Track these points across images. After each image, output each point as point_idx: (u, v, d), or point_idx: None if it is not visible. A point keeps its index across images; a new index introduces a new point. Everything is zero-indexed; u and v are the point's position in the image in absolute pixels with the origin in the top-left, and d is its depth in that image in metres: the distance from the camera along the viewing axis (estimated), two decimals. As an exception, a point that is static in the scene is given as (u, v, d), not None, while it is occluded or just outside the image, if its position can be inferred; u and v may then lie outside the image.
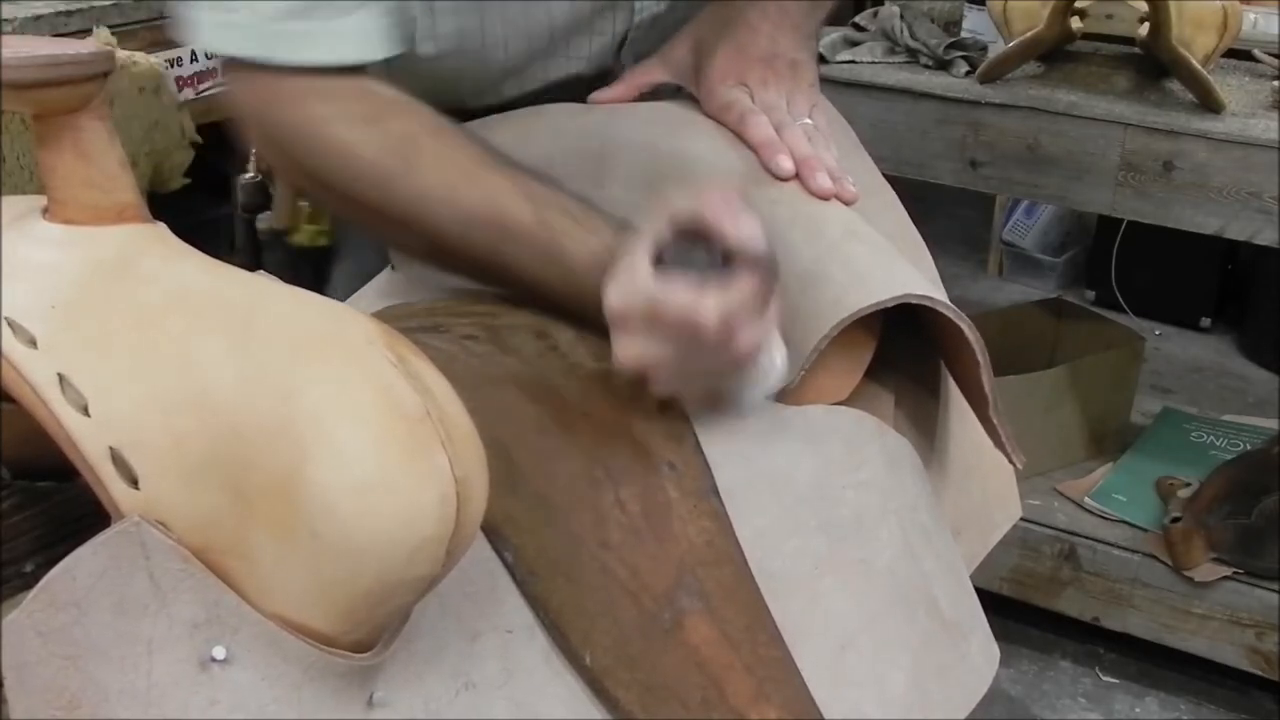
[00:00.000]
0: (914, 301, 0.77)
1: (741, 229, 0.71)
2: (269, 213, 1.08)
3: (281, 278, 0.84)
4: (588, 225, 0.79)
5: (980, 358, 0.79)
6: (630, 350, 0.72)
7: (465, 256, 0.83)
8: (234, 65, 0.86)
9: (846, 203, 0.86)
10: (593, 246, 0.77)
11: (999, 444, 0.83)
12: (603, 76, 1.01)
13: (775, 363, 0.76)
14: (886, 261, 0.83)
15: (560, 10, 0.95)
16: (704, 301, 0.69)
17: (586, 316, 0.77)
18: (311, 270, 1.07)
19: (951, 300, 0.80)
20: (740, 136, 0.89)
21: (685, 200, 0.73)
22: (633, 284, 0.71)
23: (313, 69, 0.83)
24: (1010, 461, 0.83)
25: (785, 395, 0.79)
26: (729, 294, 0.69)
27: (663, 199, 0.75)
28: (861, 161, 0.99)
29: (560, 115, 0.98)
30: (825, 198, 0.86)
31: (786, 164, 0.86)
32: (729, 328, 0.70)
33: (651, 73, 0.99)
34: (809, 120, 0.91)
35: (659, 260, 0.72)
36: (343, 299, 0.91)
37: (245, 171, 1.09)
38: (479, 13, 0.92)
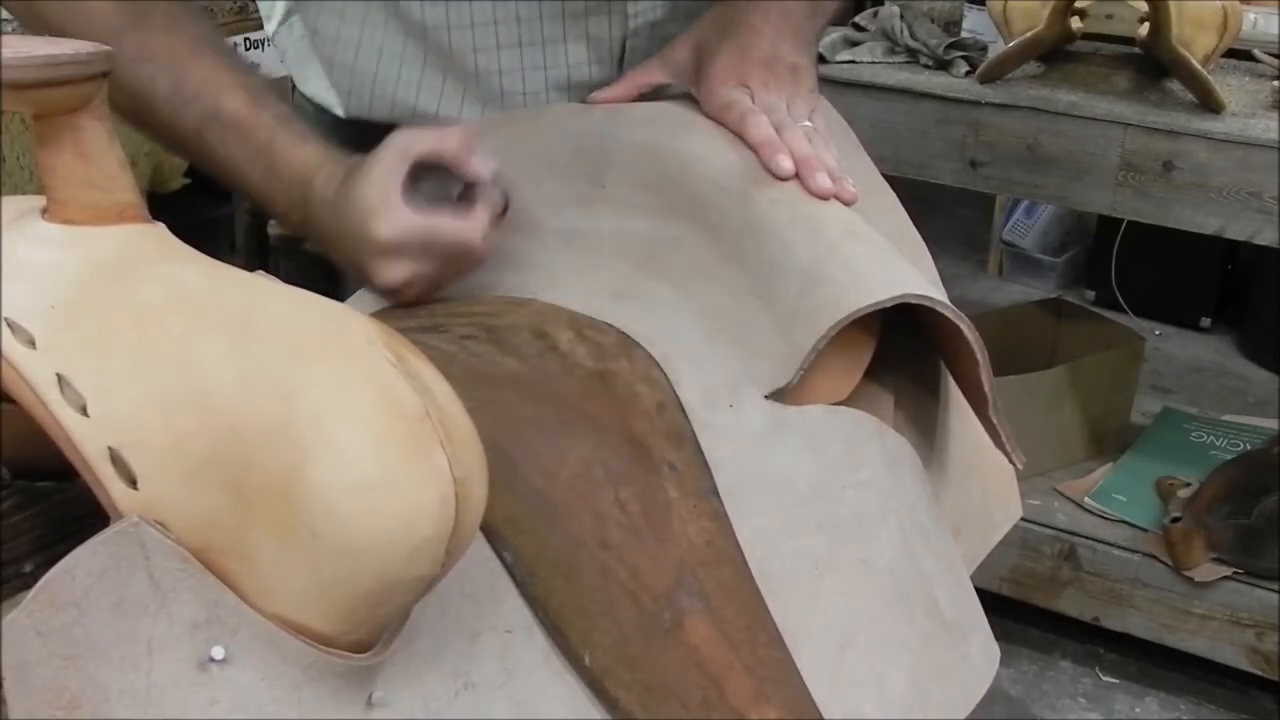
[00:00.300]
0: (913, 301, 0.77)
1: (478, 165, 0.83)
2: None
3: (294, 284, 0.85)
4: (296, 133, 0.86)
5: (980, 357, 0.79)
6: (400, 274, 0.83)
7: (172, 126, 0.86)
8: None
9: (846, 203, 0.86)
10: (300, 157, 0.85)
11: (999, 444, 0.83)
12: (599, 82, 1.01)
13: None
14: (886, 261, 0.83)
15: (549, 12, 0.96)
16: (470, 227, 0.82)
17: (276, 213, 0.88)
18: (324, 277, 1.07)
19: (951, 300, 0.80)
20: (740, 136, 0.89)
21: (417, 138, 0.83)
22: (402, 216, 0.81)
23: None
24: (1010, 462, 0.83)
25: (785, 395, 0.79)
26: (480, 216, 0.83)
27: (399, 136, 0.84)
28: (861, 163, 1.00)
29: (560, 115, 0.98)
30: (825, 198, 0.86)
31: (786, 163, 0.86)
32: (484, 238, 0.83)
33: (651, 73, 0.99)
34: (809, 123, 0.91)
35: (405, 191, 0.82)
36: (355, 304, 0.92)
37: None
38: (469, 12, 0.93)
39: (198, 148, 0.86)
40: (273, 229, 1.09)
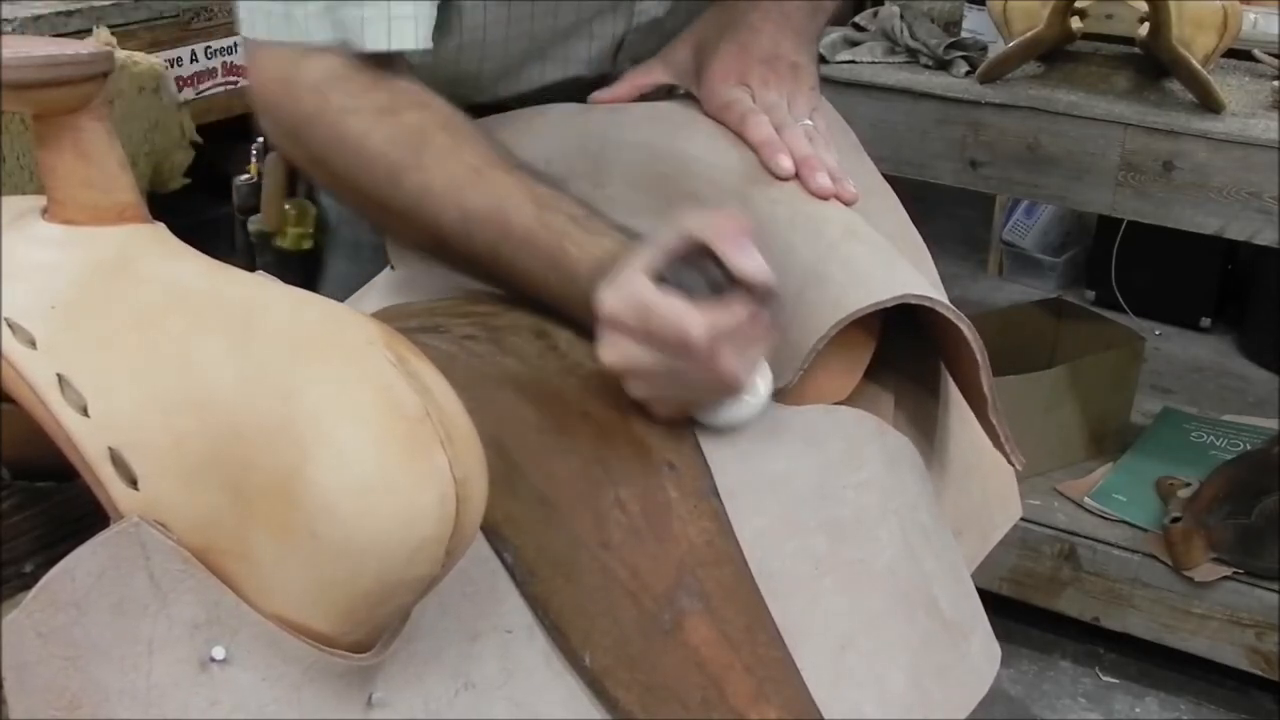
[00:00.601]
0: (913, 302, 0.77)
1: (745, 258, 0.72)
2: (259, 215, 1.09)
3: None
4: (591, 230, 0.79)
5: (979, 358, 0.79)
6: (614, 352, 0.73)
7: (465, 254, 0.83)
8: (253, 50, 0.86)
9: (846, 203, 0.86)
10: (595, 253, 0.78)
11: (998, 444, 0.83)
12: (599, 80, 1.01)
13: (758, 392, 0.77)
14: (886, 261, 0.83)
15: (563, 11, 0.95)
16: (694, 315, 0.70)
17: (585, 322, 0.78)
18: (300, 273, 1.07)
19: (951, 300, 0.80)
20: (741, 136, 0.89)
21: (696, 220, 0.74)
22: (628, 288, 0.72)
23: (349, 54, 0.83)
24: (1010, 462, 0.83)
25: (785, 395, 0.79)
26: (721, 314, 0.71)
27: (675, 215, 0.75)
28: (862, 163, 1.00)
29: (561, 115, 0.98)
30: (825, 197, 0.86)
31: (786, 163, 0.86)
32: (715, 346, 0.71)
33: (652, 73, 0.99)
34: (809, 122, 0.91)
35: (660, 276, 0.72)
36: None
37: (244, 173, 1.10)
38: (482, 12, 0.93)
39: (496, 272, 0.83)
40: (252, 225, 1.09)
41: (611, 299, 0.73)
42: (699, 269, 0.72)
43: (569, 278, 0.79)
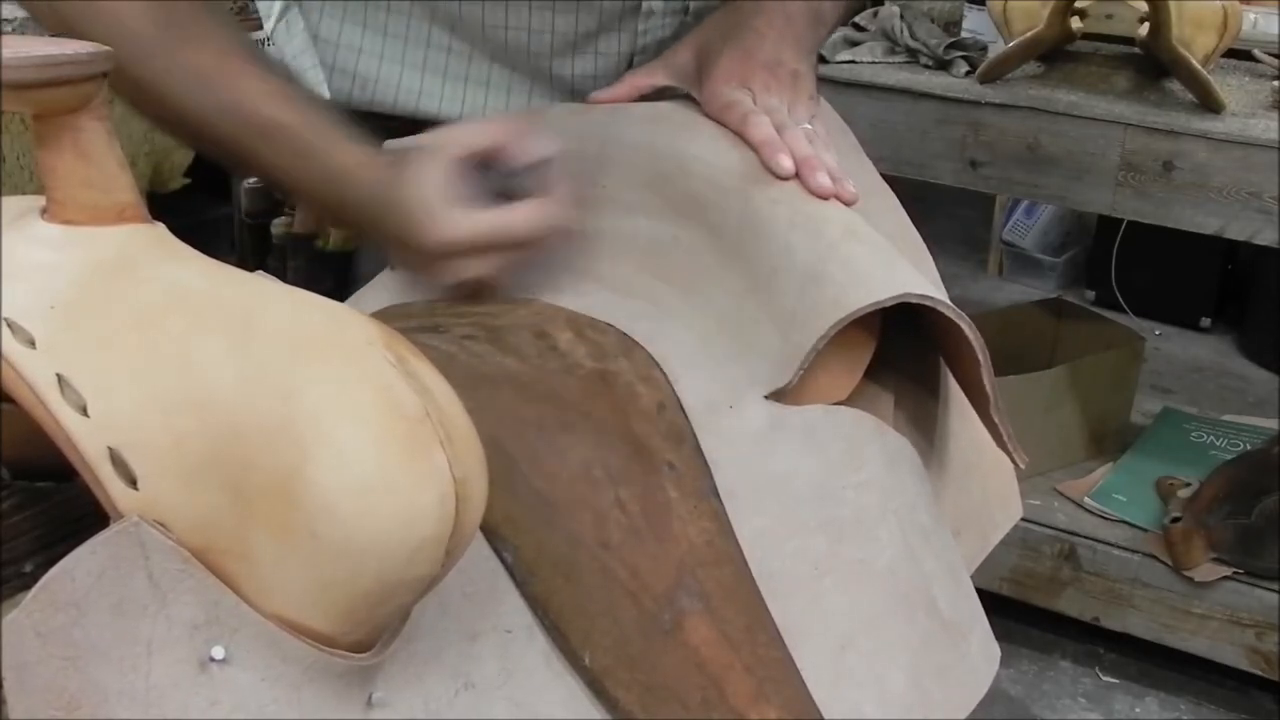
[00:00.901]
0: (914, 301, 0.77)
1: (531, 147, 0.81)
2: (283, 218, 1.08)
3: (303, 283, 0.85)
4: (332, 134, 0.84)
5: (980, 356, 0.79)
6: (472, 271, 0.82)
7: (209, 139, 0.86)
8: None
9: (846, 203, 0.86)
10: (337, 159, 0.84)
11: (1001, 444, 0.83)
12: None
13: None
14: (886, 261, 0.83)
15: (561, 26, 0.96)
16: (535, 212, 0.80)
17: (336, 215, 0.88)
18: (334, 274, 1.07)
19: (951, 300, 0.80)
20: (741, 136, 0.90)
21: (471, 131, 0.82)
22: (460, 218, 0.79)
23: None
24: (1013, 462, 0.83)
25: (785, 395, 0.79)
26: (553, 198, 0.81)
27: (441, 134, 0.83)
28: (861, 164, 1.00)
29: (560, 115, 0.98)
30: (825, 197, 0.86)
31: (787, 162, 0.86)
32: (561, 223, 0.82)
33: (653, 75, 0.99)
34: (809, 125, 0.91)
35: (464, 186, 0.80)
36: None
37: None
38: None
39: (235, 154, 0.87)
40: (275, 228, 1.09)
41: (448, 232, 0.80)
42: (485, 169, 0.81)
43: (309, 178, 0.85)
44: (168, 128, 0.89)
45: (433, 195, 0.80)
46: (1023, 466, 0.85)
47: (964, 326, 0.78)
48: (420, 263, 0.84)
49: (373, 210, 0.84)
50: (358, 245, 1.07)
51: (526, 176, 0.82)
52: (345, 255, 1.07)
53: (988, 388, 0.80)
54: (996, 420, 0.81)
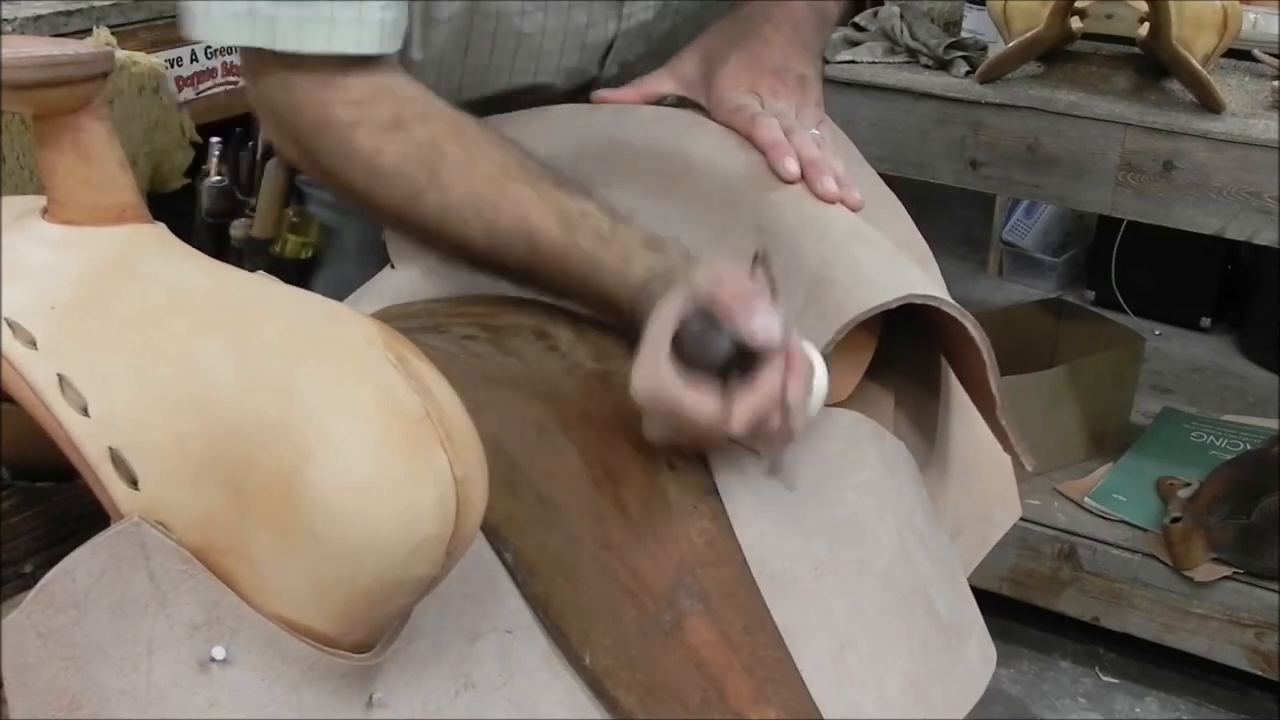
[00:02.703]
0: (917, 301, 0.77)
1: (756, 323, 0.71)
2: (244, 220, 1.07)
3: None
4: (618, 250, 0.79)
5: (986, 356, 0.78)
6: (654, 432, 0.74)
7: (495, 267, 0.83)
8: (251, 59, 0.84)
9: (852, 208, 0.86)
10: (626, 277, 0.78)
11: (1008, 446, 0.82)
12: (585, 85, 1.01)
13: (818, 390, 0.75)
14: (890, 262, 0.83)
15: (551, 22, 0.95)
16: (714, 407, 0.70)
17: (618, 329, 0.80)
18: (291, 279, 1.07)
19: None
20: (749, 137, 0.90)
21: (706, 279, 0.73)
22: (653, 374, 0.71)
23: (332, 59, 0.81)
24: (1019, 463, 0.83)
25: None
26: (752, 399, 0.70)
27: (686, 274, 0.75)
28: (867, 175, 1.00)
29: (565, 115, 0.98)
30: (831, 201, 0.86)
31: (794, 166, 0.86)
32: (758, 422, 0.71)
33: (661, 83, 0.99)
34: (816, 131, 0.91)
35: (679, 339, 0.72)
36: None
37: (209, 176, 1.09)
38: (469, 15, 0.93)
39: (529, 286, 0.84)
40: (235, 230, 1.07)
41: (639, 384, 0.72)
42: (709, 329, 0.72)
43: (600, 299, 0.80)
44: (465, 264, 0.86)
45: (648, 336, 0.73)
46: (1030, 468, 0.84)
47: (969, 326, 0.78)
48: None
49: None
50: (316, 254, 1.07)
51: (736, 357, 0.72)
52: (303, 262, 1.07)
53: (994, 389, 0.79)
54: (1003, 423, 0.81)
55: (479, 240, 0.81)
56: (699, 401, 0.70)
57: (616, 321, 0.80)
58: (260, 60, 0.84)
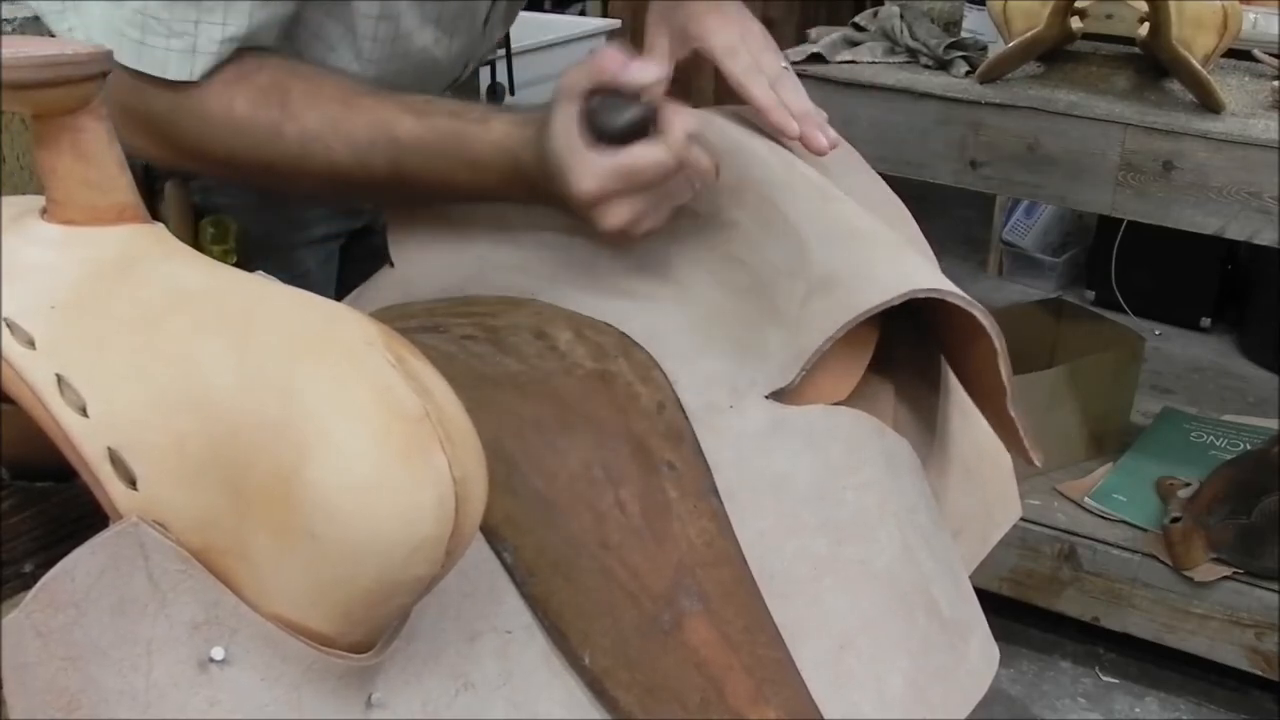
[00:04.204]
0: (921, 295, 0.77)
1: (635, 72, 0.80)
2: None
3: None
4: (475, 117, 0.85)
5: (998, 344, 0.78)
6: (619, 217, 0.81)
7: (365, 181, 0.86)
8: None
9: (829, 144, 0.92)
10: (492, 135, 0.84)
11: (1016, 440, 0.82)
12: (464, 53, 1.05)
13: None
14: (894, 256, 0.82)
15: (455, 45, 1.01)
16: (659, 148, 0.78)
17: (503, 198, 0.86)
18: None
19: (952, 301, 0.80)
20: (742, 91, 0.93)
21: (579, 72, 0.81)
22: (595, 165, 0.79)
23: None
24: (1026, 458, 0.82)
25: (785, 395, 0.79)
26: (676, 127, 0.79)
27: (563, 78, 0.82)
28: (871, 180, 1.00)
29: None
30: (822, 154, 0.91)
31: (793, 126, 0.91)
32: (687, 155, 0.80)
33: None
34: (786, 66, 0.96)
35: (591, 129, 0.79)
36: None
37: None
38: (391, 43, 0.96)
39: (401, 186, 0.86)
40: None
41: (588, 182, 0.79)
42: (610, 104, 0.80)
43: (476, 168, 0.84)
44: (331, 194, 0.90)
45: (563, 147, 0.79)
46: (1039, 464, 0.84)
47: (978, 315, 0.77)
48: (581, 218, 0.83)
49: (537, 178, 0.82)
50: (238, 260, 1.07)
51: (645, 106, 0.80)
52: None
53: (1005, 379, 0.79)
54: (1013, 414, 0.80)
55: (342, 157, 0.85)
56: (645, 152, 0.79)
57: (499, 188, 0.85)
58: (123, 73, 0.86)
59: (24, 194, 0.61)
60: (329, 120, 0.85)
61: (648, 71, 0.80)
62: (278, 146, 0.85)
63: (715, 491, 0.74)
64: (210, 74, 0.85)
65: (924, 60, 1.74)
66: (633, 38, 2.61)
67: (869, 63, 1.74)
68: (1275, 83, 1.59)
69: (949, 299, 0.77)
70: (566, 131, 0.79)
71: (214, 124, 0.85)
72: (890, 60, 1.75)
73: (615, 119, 0.79)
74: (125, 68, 0.84)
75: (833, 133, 0.93)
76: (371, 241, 1.09)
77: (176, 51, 0.84)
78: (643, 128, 0.80)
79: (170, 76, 0.84)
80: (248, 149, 0.85)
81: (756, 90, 0.93)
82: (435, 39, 1.00)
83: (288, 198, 0.98)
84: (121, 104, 0.86)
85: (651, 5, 1.01)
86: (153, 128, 0.87)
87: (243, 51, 0.86)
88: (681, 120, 0.80)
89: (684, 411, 0.77)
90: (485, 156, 0.84)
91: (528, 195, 0.85)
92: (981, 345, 0.79)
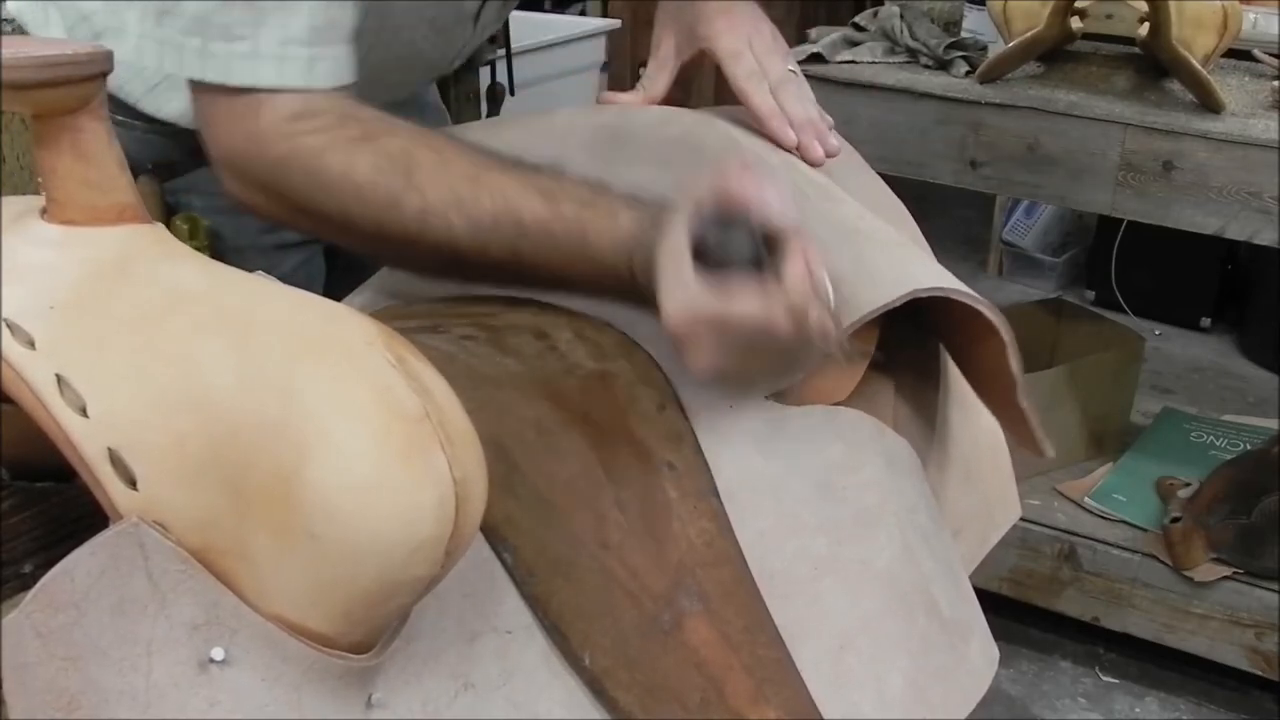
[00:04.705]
0: (924, 294, 0.77)
1: (770, 201, 0.71)
2: None
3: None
4: (604, 209, 0.78)
5: (1006, 336, 0.77)
6: (704, 362, 0.72)
7: (483, 262, 0.82)
8: (204, 105, 0.84)
9: (830, 153, 0.91)
10: (616, 233, 0.77)
11: (1026, 431, 0.81)
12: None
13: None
14: (897, 256, 0.82)
15: (440, 39, 0.99)
16: (764, 299, 0.69)
17: (619, 299, 0.78)
18: None
19: (953, 302, 0.80)
20: (743, 98, 0.93)
21: (709, 182, 0.72)
22: (688, 297, 0.70)
23: (296, 92, 0.82)
24: (1039, 450, 0.82)
25: (785, 395, 0.79)
26: (788, 283, 0.70)
27: (685, 184, 0.74)
28: (873, 182, 1.00)
29: (570, 115, 0.98)
30: (818, 165, 0.90)
31: (790, 136, 0.90)
32: (799, 315, 0.70)
33: (659, 80, 1.00)
34: (792, 69, 0.95)
35: (698, 253, 0.71)
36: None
37: None
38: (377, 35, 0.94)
39: (518, 270, 0.81)
40: None
41: (677, 314, 0.71)
42: (728, 230, 0.71)
43: (595, 264, 0.78)
44: (451, 273, 0.85)
45: (666, 264, 0.72)
46: (1051, 455, 0.82)
47: (984, 310, 0.76)
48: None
49: (645, 280, 0.75)
50: (212, 256, 1.07)
51: (760, 244, 0.71)
52: None
53: (1014, 370, 0.78)
54: (1024, 406, 0.79)
55: (463, 234, 0.80)
56: (743, 300, 0.69)
57: (616, 287, 0.78)
58: (215, 104, 0.83)
59: (24, 194, 0.61)
60: (454, 197, 0.80)
61: (781, 212, 0.71)
62: (395, 216, 0.81)
63: (715, 491, 0.74)
64: (334, 129, 0.82)
65: (924, 60, 1.74)
66: (632, 38, 2.62)
67: (869, 63, 1.74)
68: (1275, 83, 1.59)
69: (953, 296, 0.77)
70: (675, 243, 0.72)
71: (330, 184, 0.81)
72: (890, 60, 1.75)
73: (723, 250, 0.71)
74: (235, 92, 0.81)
75: (834, 142, 0.91)
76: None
77: (239, 56, 0.81)
78: (756, 263, 0.70)
79: (234, 82, 0.81)
80: (363, 215, 0.81)
81: (756, 98, 0.92)
82: (424, 35, 0.98)
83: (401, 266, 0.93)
84: (235, 152, 0.84)
85: (660, 5, 1.01)
86: (265, 180, 0.84)
87: (374, 112, 0.83)
88: (802, 267, 0.70)
89: (684, 412, 0.77)
90: (606, 252, 0.77)
91: (638, 300, 0.77)
92: (988, 340, 0.78)
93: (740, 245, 0.70)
